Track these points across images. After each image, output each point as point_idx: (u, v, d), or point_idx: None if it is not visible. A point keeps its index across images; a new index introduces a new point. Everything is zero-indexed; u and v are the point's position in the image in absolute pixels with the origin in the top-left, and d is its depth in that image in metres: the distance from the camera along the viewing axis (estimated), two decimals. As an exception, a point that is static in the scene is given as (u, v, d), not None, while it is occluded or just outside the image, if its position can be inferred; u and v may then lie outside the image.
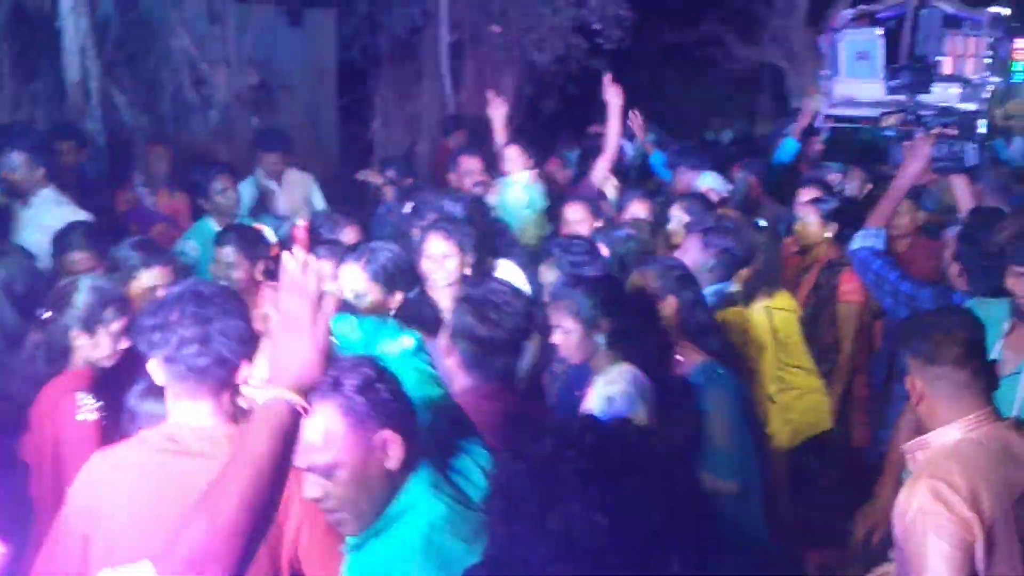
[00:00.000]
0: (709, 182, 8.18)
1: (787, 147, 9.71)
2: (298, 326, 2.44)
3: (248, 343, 3.20)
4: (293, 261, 2.48)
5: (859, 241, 5.33)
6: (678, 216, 6.73)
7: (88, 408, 3.87)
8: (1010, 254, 4.23)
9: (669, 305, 4.56)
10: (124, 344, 4.13)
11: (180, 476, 2.97)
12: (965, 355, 3.43)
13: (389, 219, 8.37)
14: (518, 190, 7.99)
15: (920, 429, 3.71)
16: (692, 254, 5.44)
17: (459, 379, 3.85)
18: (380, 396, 2.77)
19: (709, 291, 5.34)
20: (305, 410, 2.41)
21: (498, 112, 8.65)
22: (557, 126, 13.74)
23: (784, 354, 5.80)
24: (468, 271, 5.44)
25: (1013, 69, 15.07)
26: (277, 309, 2.49)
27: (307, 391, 2.43)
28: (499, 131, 8.60)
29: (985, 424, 3.41)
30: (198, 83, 10.65)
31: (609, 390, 4.05)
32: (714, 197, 7.70)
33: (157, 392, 3.31)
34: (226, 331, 3.14)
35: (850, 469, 6.47)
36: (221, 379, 3.15)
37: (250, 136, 10.29)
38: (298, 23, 13.31)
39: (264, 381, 2.48)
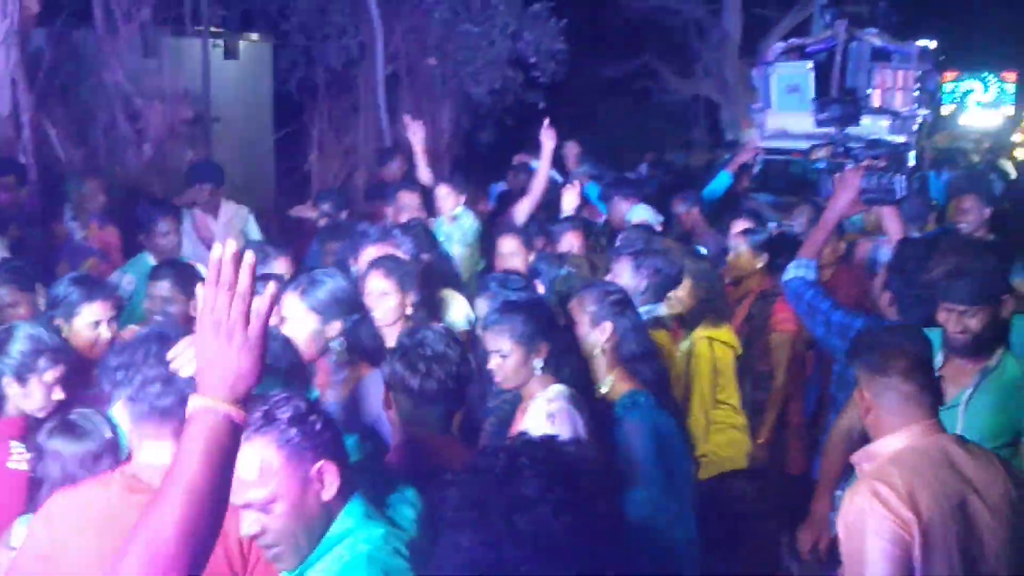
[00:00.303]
0: (641, 214, 8.20)
1: (720, 180, 9.79)
2: (229, 329, 2.16)
3: None
4: (220, 252, 2.19)
5: (791, 272, 5.39)
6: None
7: (19, 457, 3.81)
8: (942, 293, 4.31)
9: (604, 330, 4.56)
10: (59, 395, 4.03)
11: None
12: (912, 369, 3.55)
13: (325, 251, 8.35)
14: (449, 224, 8.01)
15: (854, 438, 3.78)
16: (623, 277, 5.43)
17: (395, 432, 3.85)
18: (314, 427, 2.76)
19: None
20: (243, 421, 2.21)
21: (416, 136, 8.66)
22: (494, 158, 13.79)
23: (716, 388, 5.83)
24: (410, 310, 5.36)
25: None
26: (203, 309, 2.20)
27: (243, 400, 2.20)
28: (420, 153, 8.63)
29: (929, 435, 3.53)
30: (132, 116, 10.57)
31: (549, 408, 4.03)
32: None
33: (65, 430, 3.28)
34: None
35: (786, 496, 6.51)
36: (184, 419, 3.10)
37: (184, 170, 10.24)
38: (234, 56, 13.29)
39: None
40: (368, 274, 5.36)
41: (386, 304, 5.25)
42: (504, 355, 4.14)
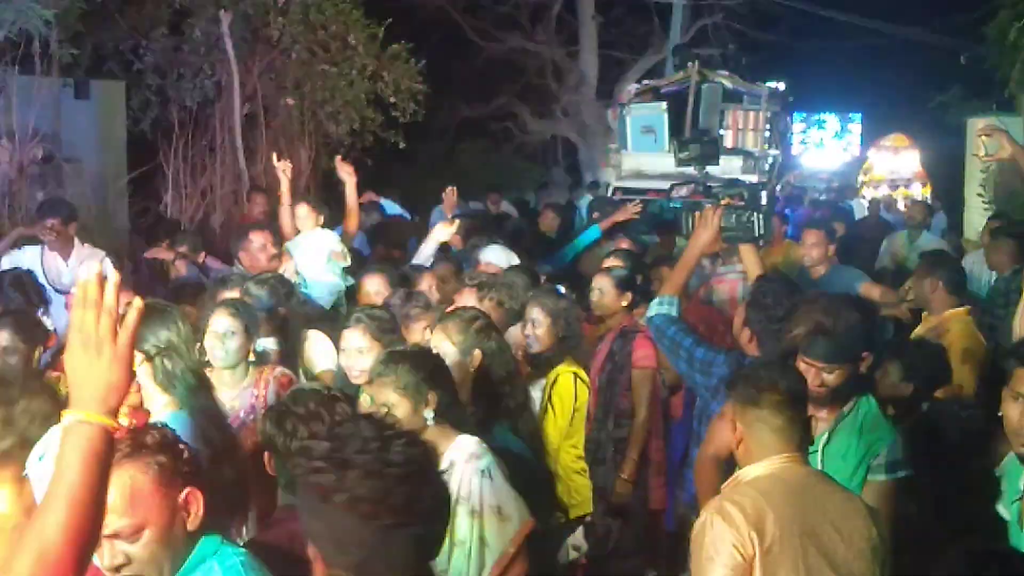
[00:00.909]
0: (493, 255, 8.15)
1: (590, 234, 9.72)
2: (97, 344, 2.23)
3: (52, 421, 3.07)
4: (86, 273, 2.28)
5: (654, 308, 5.45)
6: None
7: None
8: (803, 348, 4.39)
9: (475, 359, 4.54)
10: None
11: None
12: (784, 403, 3.64)
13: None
14: (312, 249, 7.96)
15: (721, 468, 3.86)
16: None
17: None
18: (182, 454, 2.79)
19: None
20: (116, 432, 2.25)
21: (284, 176, 8.57)
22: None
23: (572, 425, 5.85)
24: (252, 356, 5.36)
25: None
26: (72, 328, 2.27)
27: (115, 412, 2.25)
28: (284, 194, 8.55)
29: (791, 465, 3.63)
30: (-20, 156, 10.28)
31: (479, 465, 3.90)
32: (493, 269, 7.69)
33: None
34: (30, 410, 3.07)
35: (649, 531, 6.58)
36: (23, 461, 3.04)
37: (34, 211, 9.97)
38: (85, 96, 13.00)
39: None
40: (216, 312, 5.31)
41: (229, 345, 5.22)
42: (390, 407, 3.91)
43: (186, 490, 2.77)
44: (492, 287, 5.52)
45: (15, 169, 10.29)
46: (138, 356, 4.42)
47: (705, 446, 4.88)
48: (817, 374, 4.38)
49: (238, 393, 5.29)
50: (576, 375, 5.79)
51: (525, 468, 4.35)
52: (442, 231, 8.22)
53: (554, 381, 5.74)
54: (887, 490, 4.36)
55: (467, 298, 5.52)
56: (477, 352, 4.59)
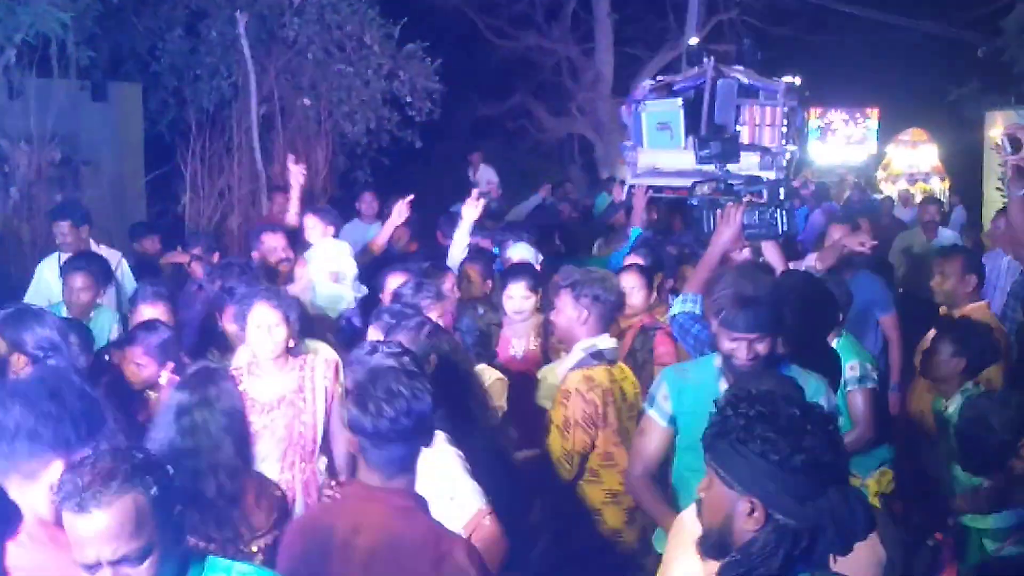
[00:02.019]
0: (521, 252, 8.16)
1: (632, 235, 9.66)
2: None
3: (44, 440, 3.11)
4: None
5: (677, 307, 5.42)
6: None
7: None
8: (728, 323, 4.29)
9: (431, 363, 4.54)
10: None
11: None
12: None
13: (198, 296, 8.24)
14: (322, 260, 7.98)
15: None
16: (566, 310, 5.29)
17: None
18: (169, 475, 2.80)
19: (581, 347, 5.23)
20: None
21: (296, 179, 8.59)
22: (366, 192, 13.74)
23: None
24: (292, 343, 5.47)
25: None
26: None
27: None
28: (294, 197, 8.57)
29: None
30: (-3, 159, 10.31)
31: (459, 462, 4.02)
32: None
33: None
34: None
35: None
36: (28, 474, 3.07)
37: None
38: (103, 97, 13.03)
39: None
40: (253, 304, 5.40)
41: (277, 335, 5.37)
42: None
43: (179, 507, 2.80)
44: (586, 283, 5.37)
45: (33, 171, 10.32)
46: (22, 358, 4.66)
47: (632, 464, 4.85)
48: (749, 346, 4.33)
49: (283, 377, 5.46)
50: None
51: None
52: (470, 211, 8.18)
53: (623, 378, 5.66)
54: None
55: (564, 299, 5.34)
56: (432, 356, 4.62)
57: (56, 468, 2.99)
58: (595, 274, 5.44)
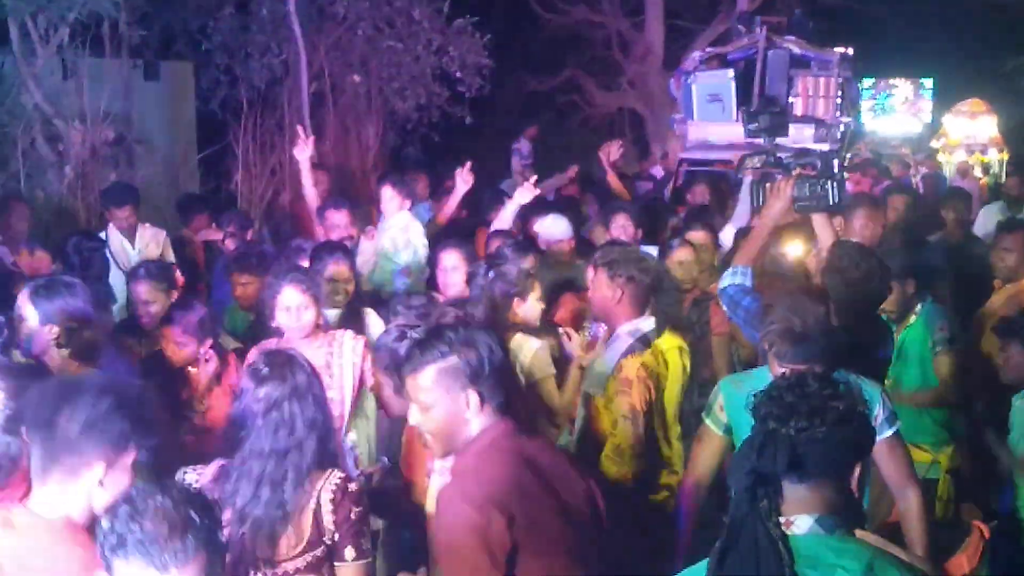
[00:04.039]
0: (550, 225, 8.08)
1: None
2: None
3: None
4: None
5: (727, 279, 5.40)
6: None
7: None
8: (778, 354, 4.26)
9: None
10: None
11: None
12: None
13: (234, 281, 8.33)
14: (396, 233, 7.99)
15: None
16: (601, 289, 5.23)
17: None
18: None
19: (624, 330, 5.18)
20: None
21: (304, 154, 8.51)
22: (419, 173, 13.77)
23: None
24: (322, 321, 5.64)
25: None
26: None
27: None
28: (305, 172, 8.50)
29: None
30: (52, 139, 10.41)
31: None
32: (551, 239, 7.65)
33: None
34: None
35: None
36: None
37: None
38: (155, 77, 13.14)
39: None
40: (281, 288, 5.49)
41: (306, 317, 5.48)
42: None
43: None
44: (622, 263, 5.27)
45: (87, 151, 10.41)
46: (55, 329, 4.64)
47: (688, 470, 4.86)
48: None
49: (311, 354, 5.42)
50: (682, 349, 5.62)
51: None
52: (524, 194, 8.16)
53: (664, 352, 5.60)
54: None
55: (600, 278, 5.24)
56: None
57: (99, 469, 3.00)
58: (632, 254, 5.38)
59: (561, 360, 5.81)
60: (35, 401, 3.12)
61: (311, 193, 8.50)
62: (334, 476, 3.76)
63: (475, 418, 3.43)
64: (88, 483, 3.00)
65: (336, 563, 3.73)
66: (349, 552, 3.71)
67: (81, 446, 2.99)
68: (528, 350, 5.52)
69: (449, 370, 3.41)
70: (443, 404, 3.43)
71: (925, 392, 6.10)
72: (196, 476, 3.81)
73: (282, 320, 5.51)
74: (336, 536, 3.71)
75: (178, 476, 3.83)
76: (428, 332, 3.72)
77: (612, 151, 10.92)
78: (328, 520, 3.70)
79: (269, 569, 3.70)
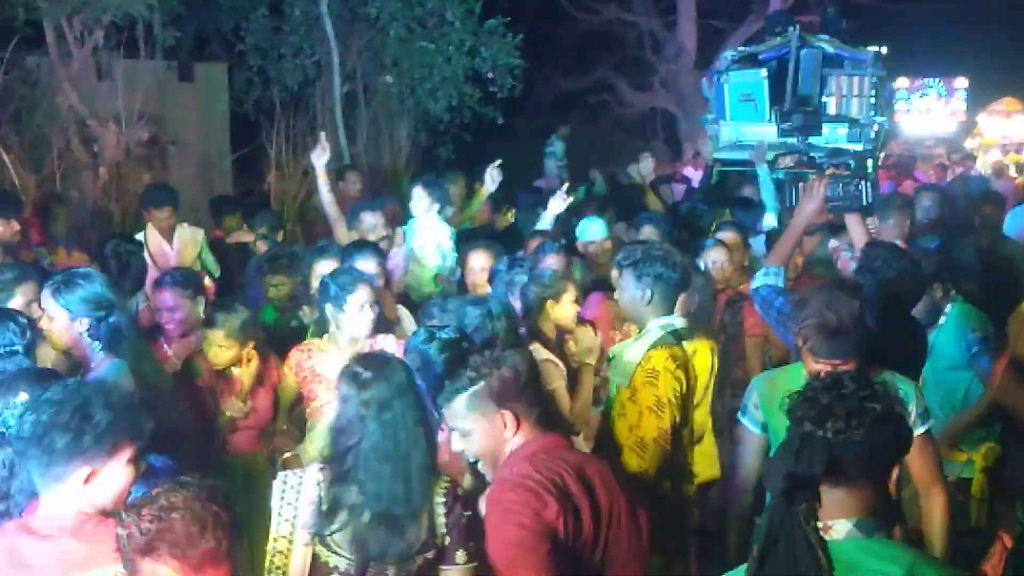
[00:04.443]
0: (587, 227, 8.08)
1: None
2: None
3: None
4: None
5: (760, 280, 5.37)
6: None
7: None
8: (814, 349, 4.25)
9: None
10: None
11: None
12: None
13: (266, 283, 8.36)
14: (425, 235, 8.00)
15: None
16: (628, 291, 5.10)
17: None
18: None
19: (656, 324, 5.08)
20: None
21: (320, 160, 8.43)
22: (457, 175, 13.80)
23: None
24: None
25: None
26: None
27: None
28: (322, 178, 8.47)
29: None
30: (87, 140, 10.48)
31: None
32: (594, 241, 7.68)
33: None
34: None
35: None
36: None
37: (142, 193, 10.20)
38: (189, 78, 13.21)
39: None
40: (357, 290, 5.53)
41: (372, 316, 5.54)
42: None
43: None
44: (647, 262, 5.17)
45: (122, 151, 10.47)
46: (84, 321, 4.68)
47: (733, 474, 4.84)
48: (835, 369, 4.26)
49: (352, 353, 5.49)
50: (712, 349, 5.61)
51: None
52: (558, 203, 8.17)
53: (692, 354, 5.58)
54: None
55: (626, 279, 5.00)
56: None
57: (83, 472, 3.04)
58: (657, 252, 5.34)
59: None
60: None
61: (328, 198, 8.43)
62: (443, 479, 3.78)
63: (513, 437, 3.49)
64: (75, 486, 3.04)
65: (445, 567, 3.71)
66: (460, 555, 3.70)
67: (53, 454, 3.03)
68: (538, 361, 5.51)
69: (480, 394, 3.47)
70: (480, 428, 3.50)
71: (977, 403, 6.01)
72: (298, 479, 3.79)
73: (353, 319, 5.50)
74: (447, 539, 3.71)
75: (279, 477, 3.83)
76: (454, 360, 3.89)
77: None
78: (440, 523, 3.71)
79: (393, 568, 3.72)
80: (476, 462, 3.66)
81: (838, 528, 2.59)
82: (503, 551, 3.30)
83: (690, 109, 21.45)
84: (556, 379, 5.59)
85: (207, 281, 6.57)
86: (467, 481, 4.10)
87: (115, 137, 10.44)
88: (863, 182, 5.31)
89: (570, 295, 5.84)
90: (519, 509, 3.27)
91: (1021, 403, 5.91)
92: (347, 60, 13.74)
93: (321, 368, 5.49)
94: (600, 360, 5.78)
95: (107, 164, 10.38)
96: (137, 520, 2.64)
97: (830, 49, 13.60)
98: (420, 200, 8.15)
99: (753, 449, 4.75)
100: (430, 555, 3.70)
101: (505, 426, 3.47)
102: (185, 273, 6.39)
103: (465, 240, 7.88)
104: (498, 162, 8.68)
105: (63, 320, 4.71)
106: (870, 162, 5.76)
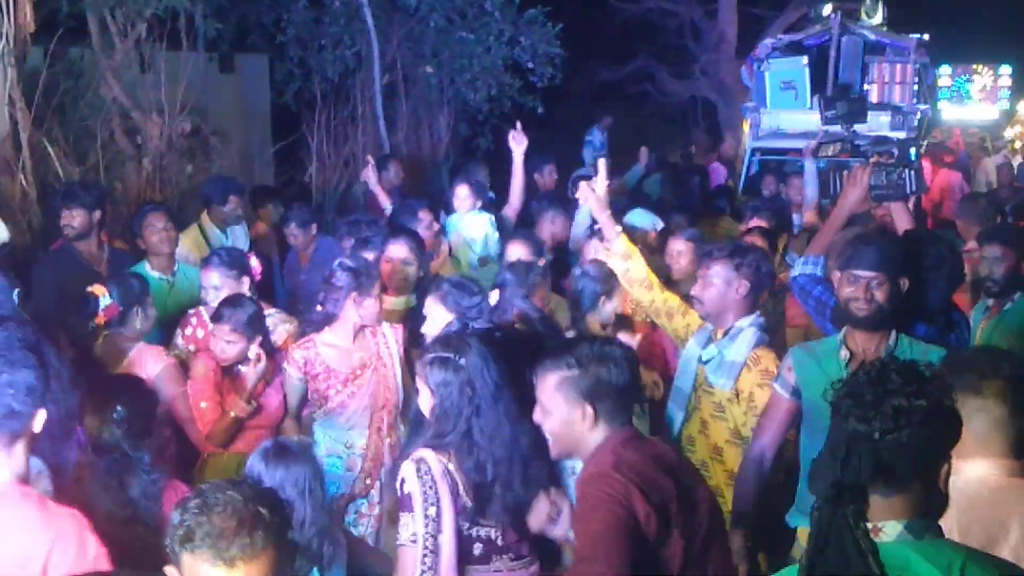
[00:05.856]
0: (638, 219, 8.07)
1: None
2: None
3: (37, 393, 3.12)
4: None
5: (799, 268, 5.37)
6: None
7: None
8: (846, 261, 4.32)
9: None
10: None
11: None
12: (1008, 391, 3.27)
13: (296, 264, 8.49)
14: (471, 230, 8.07)
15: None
16: (719, 284, 5.03)
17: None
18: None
19: (746, 323, 5.02)
20: None
21: (372, 177, 9.39)
22: (492, 164, 13.79)
23: None
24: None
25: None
26: None
27: None
28: (378, 192, 9.35)
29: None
30: (130, 131, 10.55)
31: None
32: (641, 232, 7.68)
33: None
34: (13, 383, 3.08)
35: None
36: (12, 431, 3.10)
37: (184, 184, 10.26)
38: (230, 69, 13.29)
39: None
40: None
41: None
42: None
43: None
44: (748, 253, 5.13)
45: (165, 143, 10.54)
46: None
47: (754, 437, 4.79)
48: (864, 288, 4.31)
49: (361, 344, 5.71)
50: None
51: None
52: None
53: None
54: None
55: (718, 270, 5.01)
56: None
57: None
58: (750, 244, 5.35)
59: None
60: None
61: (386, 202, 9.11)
62: None
63: (588, 432, 3.51)
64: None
65: None
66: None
67: None
68: None
69: (570, 381, 3.50)
70: (560, 411, 3.54)
71: None
72: (429, 475, 3.90)
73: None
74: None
75: (412, 479, 3.90)
76: (567, 341, 4.11)
77: None
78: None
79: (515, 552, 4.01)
80: None
81: (888, 530, 2.52)
82: (585, 542, 3.29)
83: (730, 97, 21.34)
84: None
85: (254, 261, 6.52)
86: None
87: (158, 128, 10.49)
88: (907, 170, 5.27)
89: (621, 291, 5.84)
90: (607, 504, 3.26)
91: None
92: (387, 51, 13.76)
93: (330, 362, 5.58)
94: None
95: (150, 155, 10.45)
96: (182, 512, 2.71)
97: (871, 36, 13.52)
98: (465, 200, 8.31)
99: (780, 415, 4.71)
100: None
101: (583, 418, 3.49)
102: (232, 252, 6.42)
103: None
104: (518, 124, 8.99)
105: None
106: (913, 150, 5.66)
